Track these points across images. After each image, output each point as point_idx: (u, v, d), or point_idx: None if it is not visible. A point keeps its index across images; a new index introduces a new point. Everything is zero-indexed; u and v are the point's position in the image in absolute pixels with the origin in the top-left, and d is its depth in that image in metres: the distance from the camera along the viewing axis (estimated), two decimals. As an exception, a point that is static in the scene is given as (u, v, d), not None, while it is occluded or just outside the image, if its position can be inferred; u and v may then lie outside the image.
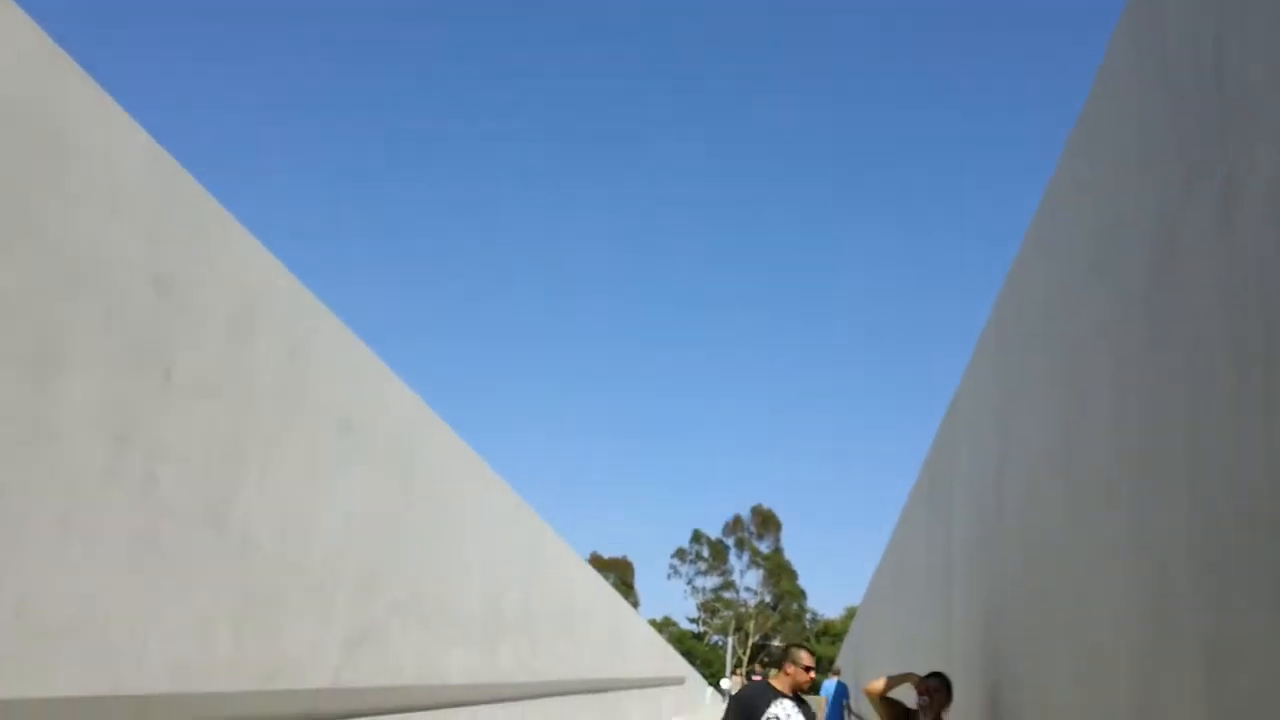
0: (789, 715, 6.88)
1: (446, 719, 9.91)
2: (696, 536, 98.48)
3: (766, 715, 6.99)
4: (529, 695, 13.28)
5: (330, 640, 7.33)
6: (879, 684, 6.30)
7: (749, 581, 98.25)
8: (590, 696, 18.41)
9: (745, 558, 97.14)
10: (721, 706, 40.50)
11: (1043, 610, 4.70)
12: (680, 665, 41.94)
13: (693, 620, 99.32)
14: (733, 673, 43.57)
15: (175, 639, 5.62)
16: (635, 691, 25.43)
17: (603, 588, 20.17)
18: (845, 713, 22.86)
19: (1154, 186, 3.47)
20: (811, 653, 7.31)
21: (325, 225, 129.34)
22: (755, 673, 41.27)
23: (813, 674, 7.14)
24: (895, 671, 6.18)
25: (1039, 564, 4.80)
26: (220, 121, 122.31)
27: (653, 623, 54.05)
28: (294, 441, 6.65)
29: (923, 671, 6.47)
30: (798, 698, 7.07)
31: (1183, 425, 3.14)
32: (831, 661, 79.27)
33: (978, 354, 6.86)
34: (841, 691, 23.00)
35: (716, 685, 46.85)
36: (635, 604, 53.28)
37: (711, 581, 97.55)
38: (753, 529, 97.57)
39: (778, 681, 7.03)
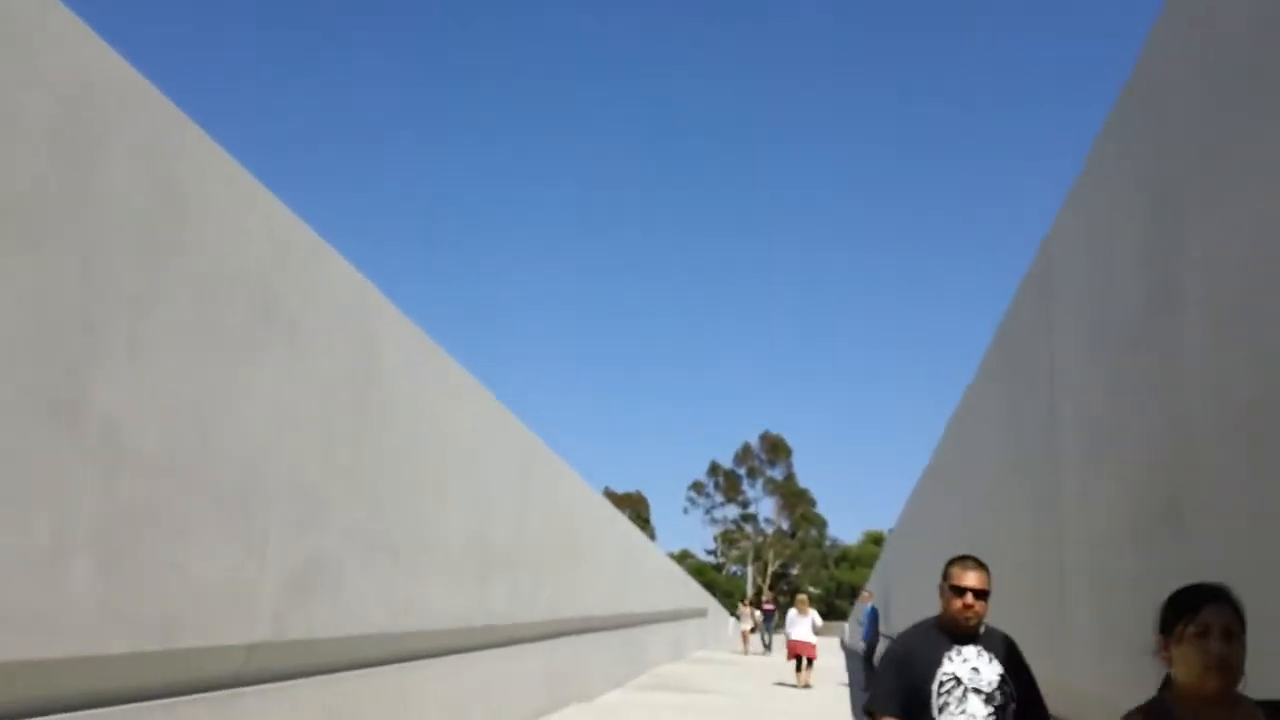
0: (979, 673, 4.18)
1: (427, 671, 8.29)
2: (713, 469, 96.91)
3: (941, 675, 4.22)
4: (529, 637, 11.67)
5: (262, 579, 5.68)
6: None
7: (765, 510, 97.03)
8: (603, 635, 16.87)
9: (759, 485, 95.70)
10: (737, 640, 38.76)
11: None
12: (702, 597, 40.58)
13: (710, 552, 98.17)
14: (744, 602, 41.16)
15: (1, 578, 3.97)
16: (653, 626, 23.98)
17: (613, 516, 18.60)
18: (876, 636, 22.59)
19: None
20: (978, 564, 4.33)
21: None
22: (767, 602, 39.15)
23: (970, 601, 4.23)
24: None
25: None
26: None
27: (670, 555, 52.70)
28: (180, 312, 4.94)
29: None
30: (987, 634, 4.36)
31: None
32: (854, 588, 78.21)
33: (1091, 171, 5.12)
34: (874, 615, 22.70)
35: (737, 615, 44.84)
36: (651, 538, 51.87)
37: (730, 512, 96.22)
38: (762, 456, 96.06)
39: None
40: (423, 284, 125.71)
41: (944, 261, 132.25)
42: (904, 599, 18.20)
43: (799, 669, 21.66)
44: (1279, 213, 3.12)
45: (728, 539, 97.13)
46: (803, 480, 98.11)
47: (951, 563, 4.36)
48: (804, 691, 20.23)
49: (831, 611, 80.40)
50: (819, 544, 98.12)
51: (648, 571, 22.78)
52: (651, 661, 23.28)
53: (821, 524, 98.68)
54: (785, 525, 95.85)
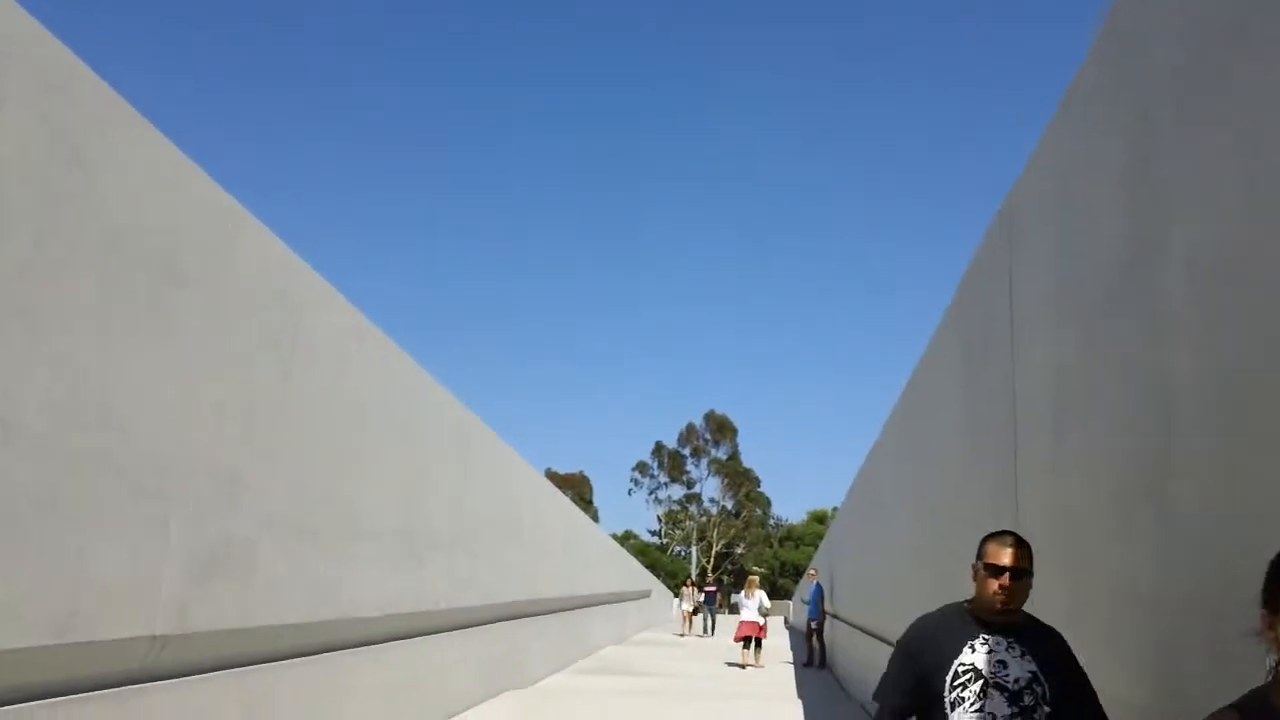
0: (1005, 668, 3.52)
1: (355, 659, 7.89)
2: (657, 449, 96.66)
3: (958, 665, 3.60)
4: (467, 622, 11.30)
5: (167, 566, 5.27)
6: None
7: (710, 490, 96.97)
8: (546, 618, 16.53)
9: (704, 465, 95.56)
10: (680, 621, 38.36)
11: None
12: (645, 578, 40.35)
13: (654, 532, 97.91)
14: (687, 583, 40.37)
15: None
16: (597, 609, 23.68)
17: (555, 496, 18.24)
18: (823, 614, 22.68)
19: None
20: (1019, 540, 3.72)
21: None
22: (709, 584, 38.62)
23: (1007, 583, 3.60)
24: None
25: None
26: None
27: (614, 536, 52.39)
28: (78, 277, 4.53)
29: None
30: (1028, 627, 3.70)
31: None
32: (798, 567, 77.93)
33: (1063, 117, 4.79)
34: (819, 593, 22.77)
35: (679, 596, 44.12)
36: (595, 520, 51.47)
37: (675, 492, 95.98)
38: (707, 436, 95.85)
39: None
40: (369, 269, 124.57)
41: (894, 243, 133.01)
42: (850, 576, 18.04)
43: (746, 648, 21.65)
44: (1275, 153, 2.82)
45: (672, 519, 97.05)
46: (747, 460, 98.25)
47: (987, 539, 3.76)
48: (751, 672, 20.08)
49: (775, 590, 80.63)
50: (763, 523, 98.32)
51: (590, 553, 22.47)
52: (595, 644, 23.00)
53: (766, 503, 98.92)
54: (729, 505, 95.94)
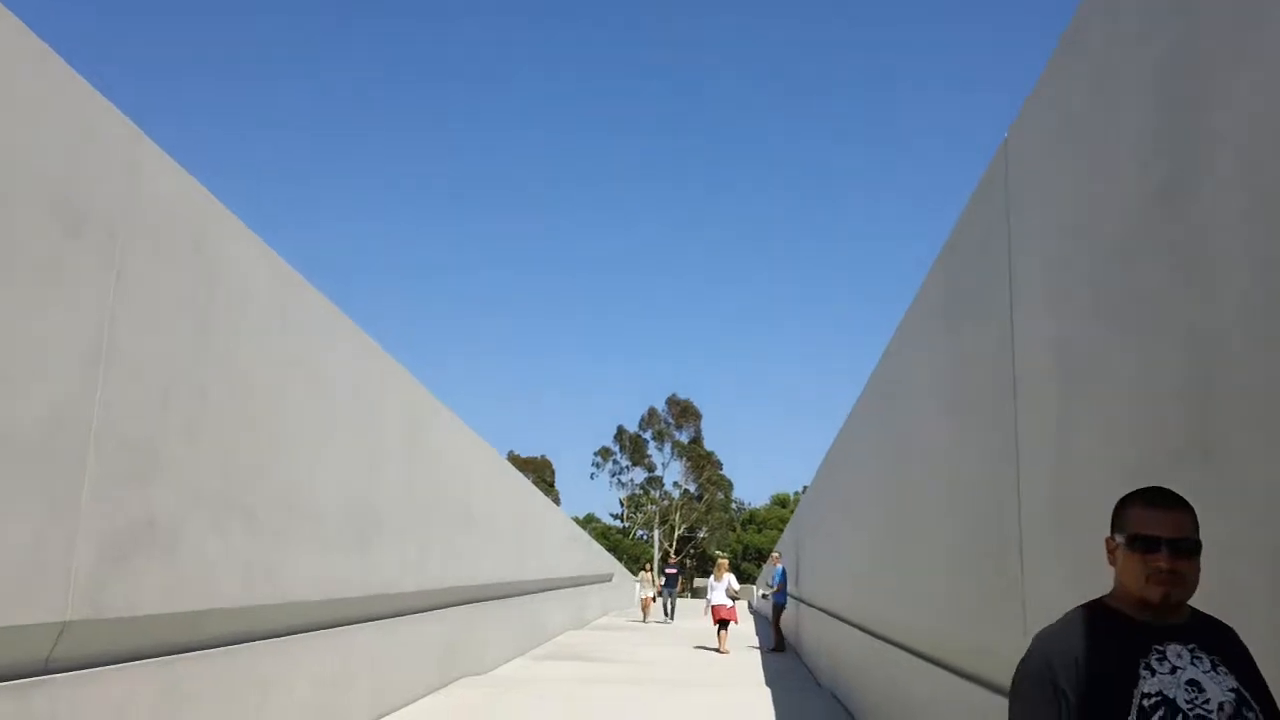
0: (1202, 690, 2.25)
1: (295, 648, 7.35)
2: (620, 433, 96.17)
3: (1143, 696, 2.26)
4: (420, 607, 10.77)
5: (75, 546, 4.72)
6: None
7: (673, 474, 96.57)
8: (503, 602, 16.01)
9: (667, 449, 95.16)
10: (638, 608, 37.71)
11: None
12: (607, 561, 39.86)
13: (616, 516, 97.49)
14: (646, 568, 39.51)
15: None
16: (556, 593, 23.19)
17: (515, 479, 17.71)
18: (785, 597, 22.55)
19: None
20: (1177, 501, 2.42)
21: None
22: (670, 566, 38.02)
23: (1169, 563, 2.33)
24: None
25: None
26: None
27: (576, 520, 51.83)
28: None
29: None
30: (1201, 626, 2.43)
31: None
32: (761, 551, 77.51)
33: (1073, 44, 4.31)
34: (784, 576, 22.65)
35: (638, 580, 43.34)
36: (556, 503, 50.82)
37: (637, 476, 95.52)
38: (670, 420, 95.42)
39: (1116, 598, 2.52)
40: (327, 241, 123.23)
41: (864, 223, 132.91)
42: (815, 559, 17.66)
43: (720, 631, 21.30)
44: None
45: (634, 503, 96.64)
46: (709, 444, 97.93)
47: (1129, 501, 2.50)
48: (715, 657, 19.67)
49: (738, 574, 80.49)
50: (726, 507, 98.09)
51: (549, 536, 21.98)
52: (554, 630, 22.53)
53: (728, 487, 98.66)
54: (692, 488, 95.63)
